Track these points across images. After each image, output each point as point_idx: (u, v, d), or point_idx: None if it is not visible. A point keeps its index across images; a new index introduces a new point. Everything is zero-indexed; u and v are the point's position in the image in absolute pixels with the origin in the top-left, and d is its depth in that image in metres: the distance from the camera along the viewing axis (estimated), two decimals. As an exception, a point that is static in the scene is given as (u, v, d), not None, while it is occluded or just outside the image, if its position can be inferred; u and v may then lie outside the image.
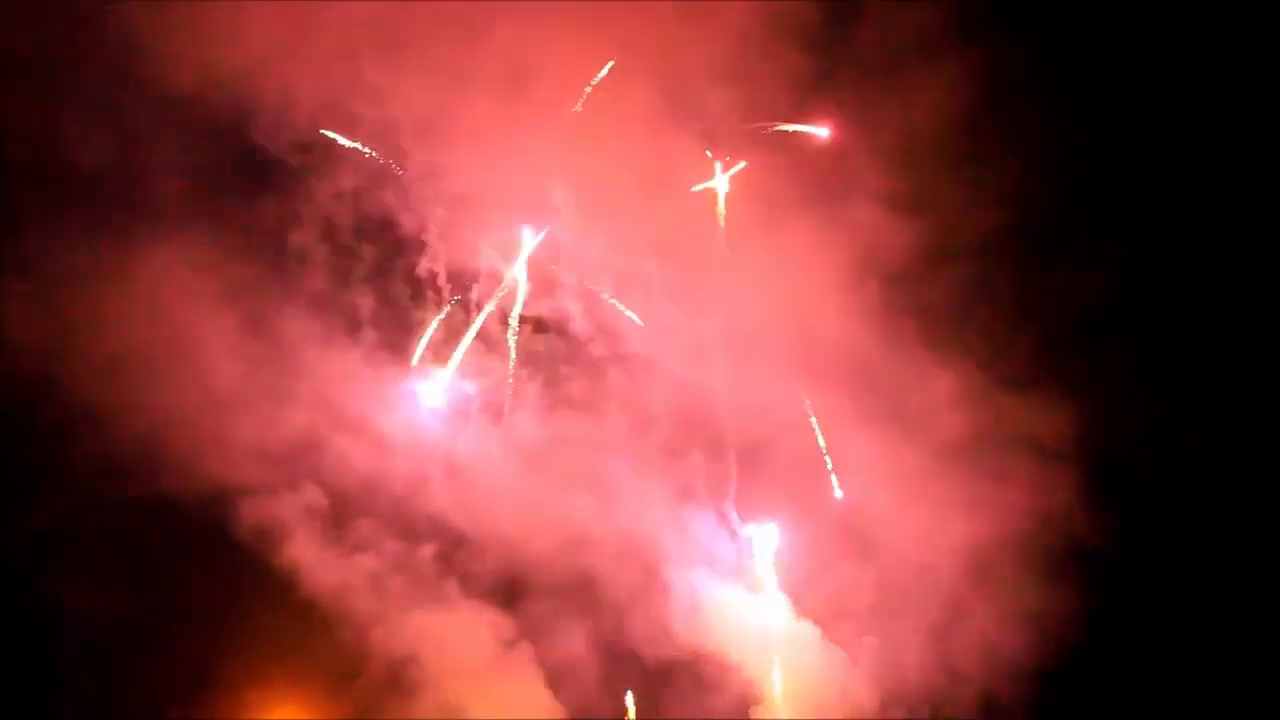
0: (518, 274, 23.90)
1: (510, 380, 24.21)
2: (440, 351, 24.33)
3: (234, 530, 22.97)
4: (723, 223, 24.35)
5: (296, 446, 23.42)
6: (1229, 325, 24.06)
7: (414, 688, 23.21)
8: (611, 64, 23.23)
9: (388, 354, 24.27)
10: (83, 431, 22.15)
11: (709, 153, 24.26)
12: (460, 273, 24.15)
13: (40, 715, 22.52)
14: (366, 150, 23.27)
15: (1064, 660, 23.02)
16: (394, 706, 23.14)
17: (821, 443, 24.40)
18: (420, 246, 23.86)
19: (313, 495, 23.57)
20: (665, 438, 24.33)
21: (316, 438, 23.51)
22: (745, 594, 24.58)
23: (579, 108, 23.28)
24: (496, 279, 24.11)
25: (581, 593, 23.89)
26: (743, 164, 24.17)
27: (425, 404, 24.27)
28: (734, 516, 24.64)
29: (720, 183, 24.28)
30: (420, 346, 24.18)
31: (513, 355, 24.04)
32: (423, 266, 23.97)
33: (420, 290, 24.09)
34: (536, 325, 24.52)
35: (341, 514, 23.73)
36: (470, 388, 24.48)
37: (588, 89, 23.28)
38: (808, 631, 24.28)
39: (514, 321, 24.15)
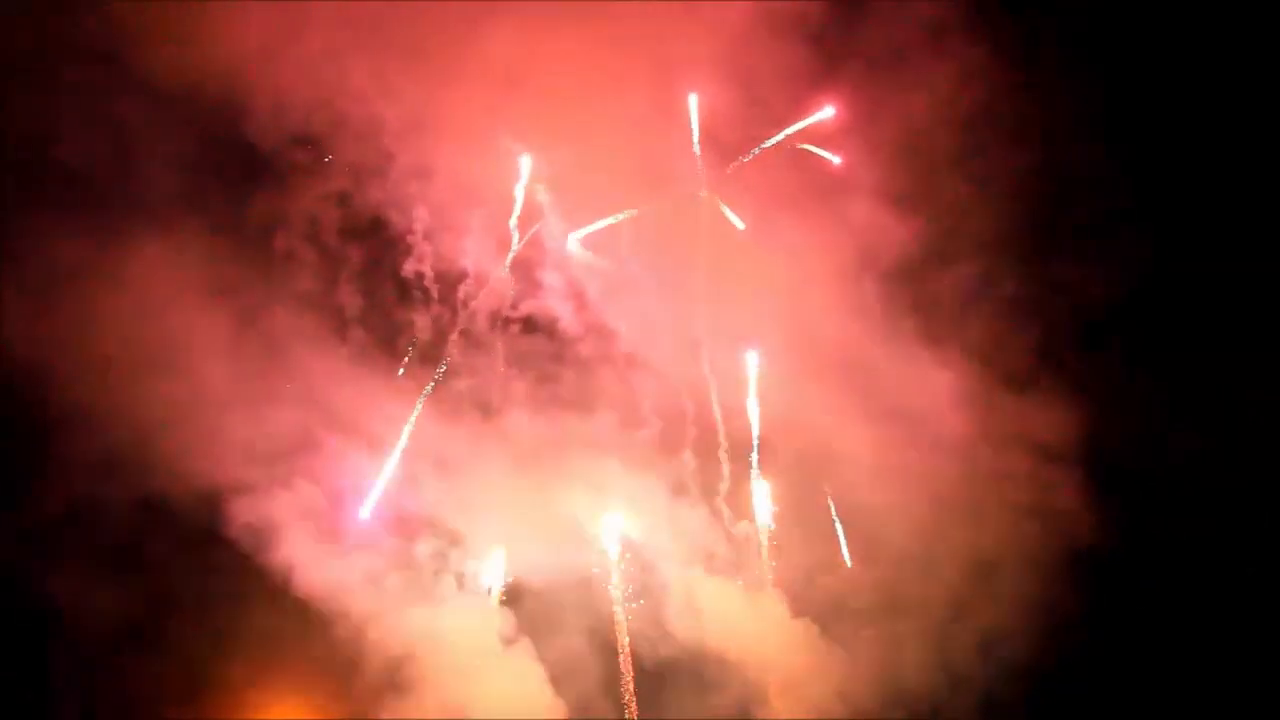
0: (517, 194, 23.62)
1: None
2: (428, 353, 24.34)
3: (228, 528, 22.79)
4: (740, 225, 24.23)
5: (290, 445, 23.29)
6: (1230, 325, 24.01)
7: (412, 685, 23.05)
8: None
9: (377, 352, 24.21)
10: (76, 430, 21.99)
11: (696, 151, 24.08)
12: (448, 272, 24.14)
13: (35, 712, 22.36)
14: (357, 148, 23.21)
15: (1063, 658, 23.05)
16: (392, 704, 22.97)
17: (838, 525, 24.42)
18: (409, 246, 23.84)
19: (308, 494, 23.41)
20: (659, 434, 24.34)
21: (310, 437, 23.38)
22: (742, 591, 24.50)
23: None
24: (483, 280, 24.15)
25: (579, 591, 23.91)
26: (752, 154, 24.15)
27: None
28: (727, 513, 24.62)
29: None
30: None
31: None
32: (410, 266, 23.93)
33: (409, 289, 24.08)
34: (525, 325, 24.51)
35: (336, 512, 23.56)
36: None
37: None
38: (805, 629, 24.21)
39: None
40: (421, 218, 23.58)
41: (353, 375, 23.82)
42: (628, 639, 23.65)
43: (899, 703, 23.67)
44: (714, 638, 23.94)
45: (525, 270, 24.36)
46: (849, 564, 24.55)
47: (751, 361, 24.59)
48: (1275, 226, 23.77)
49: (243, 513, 22.84)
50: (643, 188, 23.59)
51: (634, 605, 23.81)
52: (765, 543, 24.57)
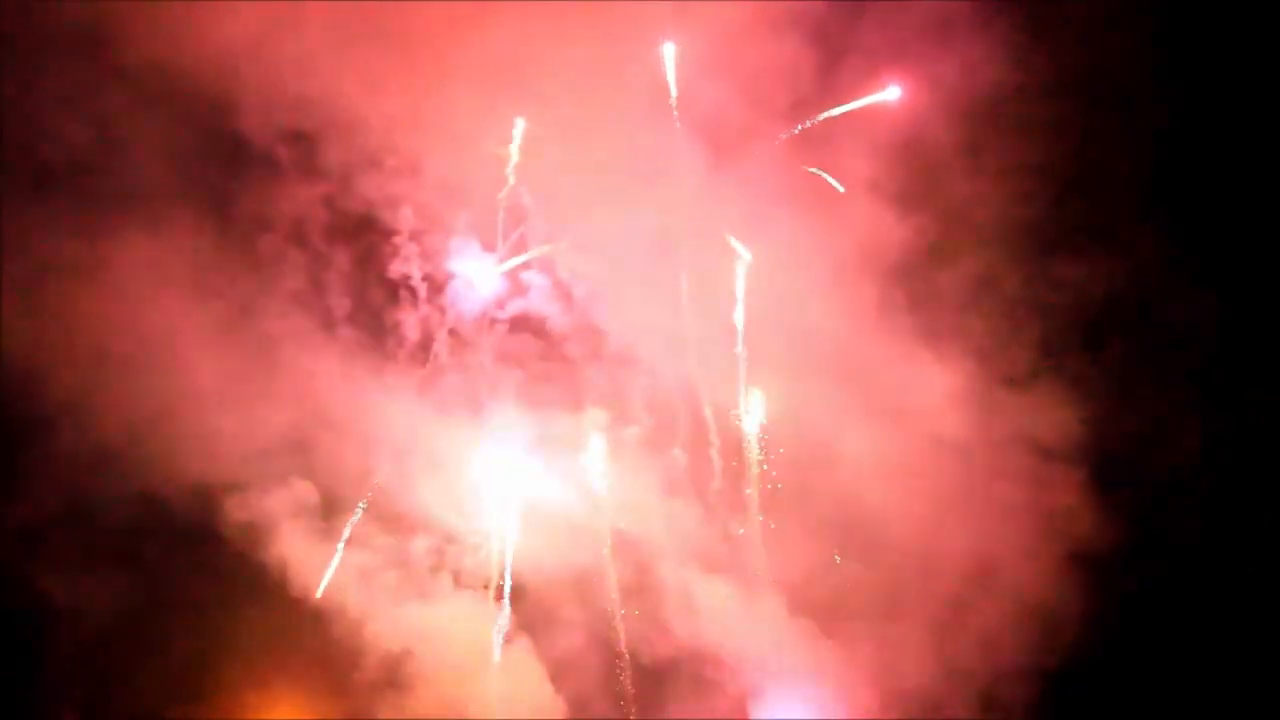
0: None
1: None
2: (416, 354, 24.19)
3: (223, 526, 22.85)
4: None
5: (284, 441, 23.27)
6: (1233, 324, 23.88)
7: (410, 683, 23.09)
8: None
9: (369, 350, 24.04)
10: (68, 426, 21.99)
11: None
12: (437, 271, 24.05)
13: (29, 712, 22.28)
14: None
15: (1065, 659, 23.02)
16: (391, 702, 23.00)
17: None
18: (400, 244, 23.75)
19: (303, 490, 23.40)
20: (652, 431, 24.32)
21: (303, 433, 23.35)
22: (740, 590, 24.37)
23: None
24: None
25: (577, 589, 23.89)
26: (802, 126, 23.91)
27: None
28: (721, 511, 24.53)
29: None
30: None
31: None
32: (399, 265, 23.83)
33: (398, 287, 23.95)
34: (512, 325, 24.38)
35: (331, 509, 23.53)
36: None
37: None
38: (804, 629, 24.10)
39: None
40: (413, 213, 23.55)
41: (347, 369, 23.71)
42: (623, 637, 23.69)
43: (898, 702, 23.63)
44: (711, 636, 23.87)
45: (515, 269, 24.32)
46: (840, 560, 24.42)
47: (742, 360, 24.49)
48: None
49: (238, 509, 22.82)
50: (636, 181, 23.39)
51: (632, 603, 23.80)
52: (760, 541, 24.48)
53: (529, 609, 23.76)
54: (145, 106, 22.16)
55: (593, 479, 23.86)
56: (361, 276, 23.81)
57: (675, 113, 23.39)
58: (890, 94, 23.66)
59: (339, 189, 23.26)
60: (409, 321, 23.92)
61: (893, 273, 23.84)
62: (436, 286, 24.00)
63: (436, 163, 23.01)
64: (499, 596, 23.46)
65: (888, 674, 23.64)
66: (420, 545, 23.79)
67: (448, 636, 23.35)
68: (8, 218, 22.06)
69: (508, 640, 23.45)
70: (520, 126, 23.27)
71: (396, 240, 23.65)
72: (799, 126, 23.76)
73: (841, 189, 23.85)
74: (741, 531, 24.41)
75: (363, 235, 23.72)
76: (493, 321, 24.17)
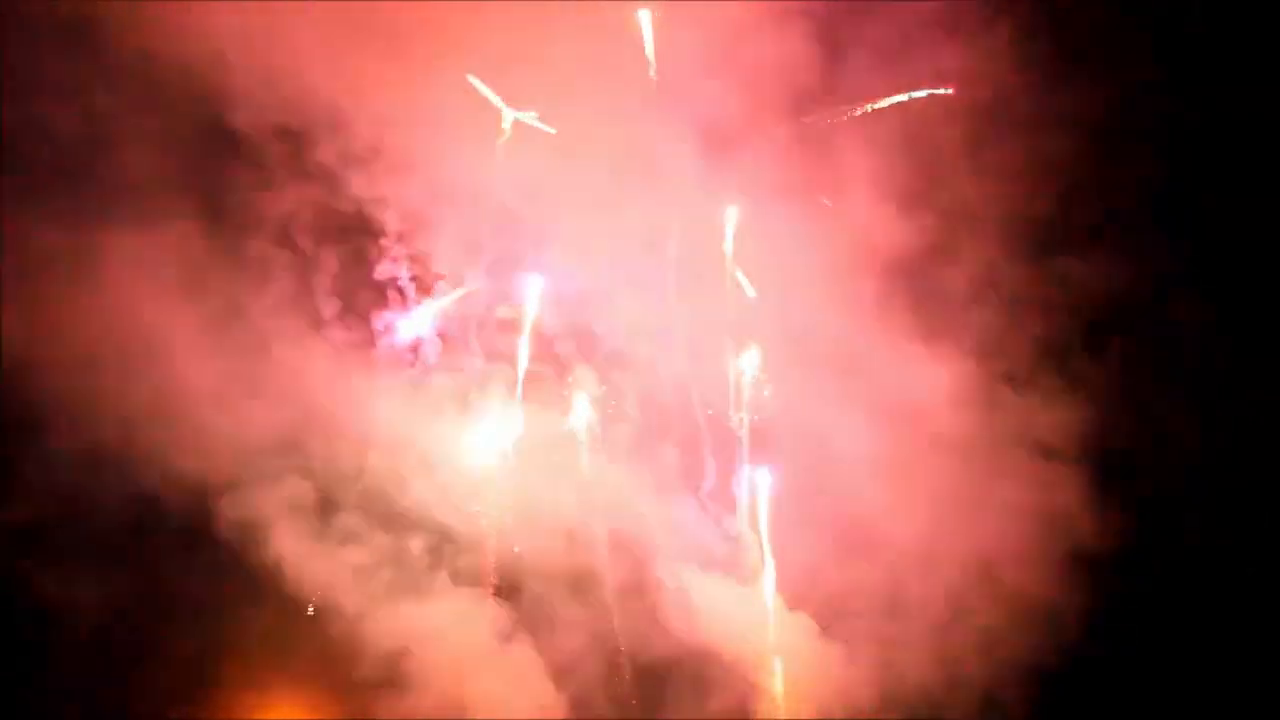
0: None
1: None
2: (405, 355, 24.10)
3: (219, 525, 22.58)
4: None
5: (280, 440, 23.05)
6: (1236, 323, 23.85)
7: (409, 681, 22.91)
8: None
9: (359, 348, 23.96)
10: (62, 426, 21.69)
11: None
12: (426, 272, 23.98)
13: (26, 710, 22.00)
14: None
15: (1064, 658, 22.98)
16: (389, 701, 22.81)
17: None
18: (392, 242, 23.68)
19: (299, 489, 23.20)
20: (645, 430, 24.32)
21: (296, 432, 23.16)
22: (738, 588, 24.31)
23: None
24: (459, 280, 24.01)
25: (575, 589, 23.78)
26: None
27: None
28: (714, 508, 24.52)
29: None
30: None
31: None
32: (388, 265, 23.77)
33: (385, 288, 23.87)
34: (502, 326, 24.29)
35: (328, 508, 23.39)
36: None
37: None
38: (804, 625, 24.07)
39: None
40: (401, 214, 23.49)
41: (339, 367, 23.59)
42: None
43: (898, 702, 23.56)
44: (710, 635, 23.77)
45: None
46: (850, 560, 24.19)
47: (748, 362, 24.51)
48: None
49: (234, 509, 22.58)
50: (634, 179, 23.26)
51: (629, 602, 23.71)
52: (763, 540, 24.36)
53: (528, 607, 23.69)
54: (138, 102, 21.98)
55: (585, 475, 23.89)
56: (351, 276, 23.74)
57: (653, 74, 23.24)
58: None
59: (330, 189, 23.14)
60: (397, 322, 23.86)
61: (893, 270, 23.75)
62: (424, 287, 23.94)
63: (425, 162, 22.93)
64: (496, 594, 23.45)
65: (888, 673, 23.60)
66: (416, 544, 23.64)
67: (445, 634, 23.18)
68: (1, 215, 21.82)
69: (507, 639, 23.37)
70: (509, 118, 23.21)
71: (386, 241, 23.64)
72: (834, 114, 23.81)
73: (829, 203, 23.93)
74: (735, 535, 24.41)
75: (356, 236, 23.67)
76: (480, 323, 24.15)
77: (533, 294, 24.10)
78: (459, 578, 23.68)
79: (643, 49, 23.35)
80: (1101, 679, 23.18)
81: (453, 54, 22.38)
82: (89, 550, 22.17)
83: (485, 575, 23.60)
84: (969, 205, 23.71)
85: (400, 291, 23.85)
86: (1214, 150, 23.62)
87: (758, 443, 24.44)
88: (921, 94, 23.79)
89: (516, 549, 23.69)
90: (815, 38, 23.21)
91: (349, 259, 23.68)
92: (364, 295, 23.84)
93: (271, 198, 23.07)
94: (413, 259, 23.76)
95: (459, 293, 24.03)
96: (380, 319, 23.88)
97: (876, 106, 23.95)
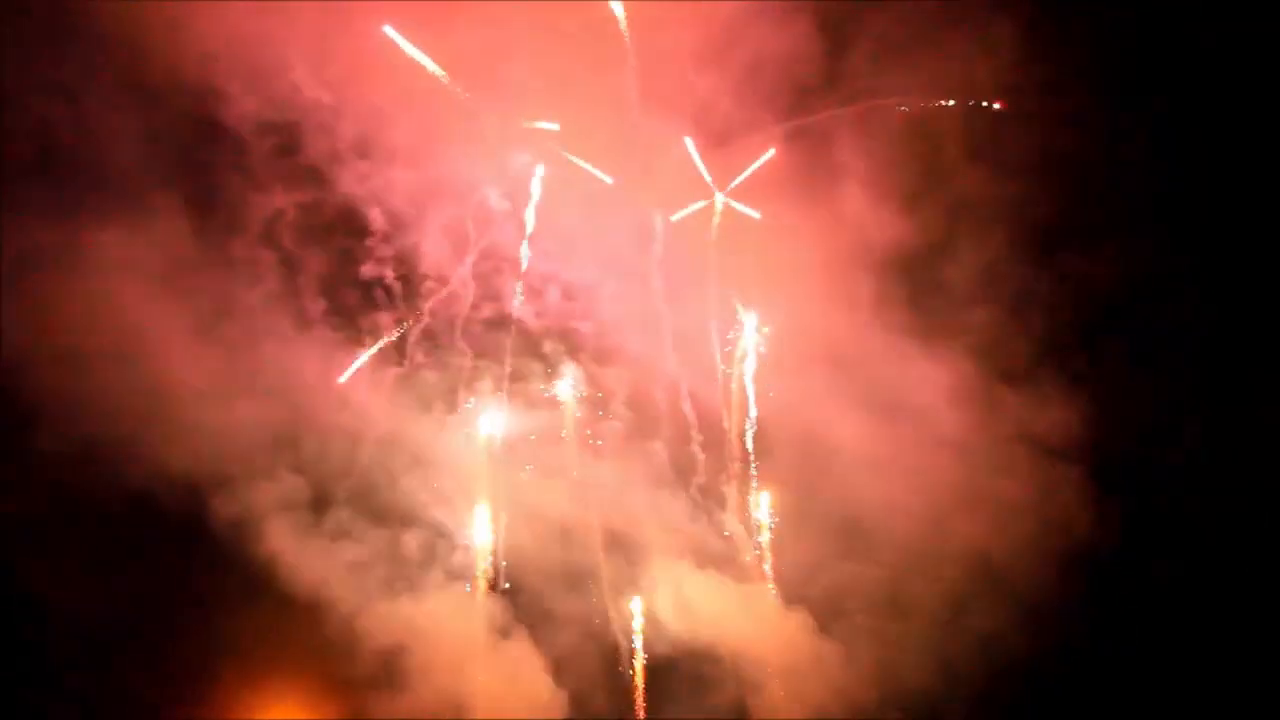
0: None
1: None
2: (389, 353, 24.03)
3: (213, 522, 22.53)
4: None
5: (271, 436, 23.07)
6: (1234, 321, 23.64)
7: (406, 677, 22.82)
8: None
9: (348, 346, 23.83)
10: (58, 422, 21.57)
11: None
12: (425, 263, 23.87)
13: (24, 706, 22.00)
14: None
15: (1061, 656, 22.87)
16: (386, 696, 22.72)
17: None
18: (380, 242, 23.59)
19: (292, 485, 23.19)
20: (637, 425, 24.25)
21: (287, 429, 23.19)
22: (734, 584, 24.23)
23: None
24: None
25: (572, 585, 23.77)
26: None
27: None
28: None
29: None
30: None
31: None
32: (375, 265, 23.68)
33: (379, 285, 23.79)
34: (488, 325, 24.19)
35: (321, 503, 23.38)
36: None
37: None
38: (800, 623, 23.93)
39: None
40: (388, 213, 23.40)
41: (327, 365, 23.51)
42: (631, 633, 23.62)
43: (896, 700, 23.40)
44: (708, 631, 23.69)
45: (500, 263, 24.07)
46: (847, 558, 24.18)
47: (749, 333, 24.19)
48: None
49: (228, 505, 22.54)
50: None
51: (625, 598, 23.70)
52: (761, 538, 24.33)
53: (525, 603, 23.64)
54: (128, 98, 21.87)
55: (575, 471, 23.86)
56: (340, 275, 23.67)
57: (626, 34, 22.79)
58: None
59: (318, 187, 23.08)
60: (385, 320, 23.78)
61: (891, 267, 23.63)
62: (411, 286, 23.86)
63: (413, 161, 22.89)
64: (491, 588, 23.39)
65: (886, 671, 23.45)
66: (411, 540, 23.57)
67: (441, 629, 23.10)
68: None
69: (504, 635, 23.29)
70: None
71: (372, 240, 23.57)
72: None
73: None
74: (728, 533, 24.35)
75: (343, 234, 23.59)
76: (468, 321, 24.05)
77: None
78: (453, 574, 23.57)
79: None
80: (1096, 674, 23.05)
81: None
82: (80, 546, 22.09)
83: (479, 572, 23.53)
84: (968, 202, 23.55)
85: (387, 290, 23.78)
86: (1215, 150, 23.34)
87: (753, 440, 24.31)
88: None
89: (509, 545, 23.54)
90: (813, 33, 23.08)
91: (337, 258, 23.64)
92: (350, 294, 23.79)
93: (258, 197, 23.02)
94: (398, 258, 23.71)
95: (444, 291, 23.95)
96: (368, 317, 23.84)
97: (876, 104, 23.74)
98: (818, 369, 23.84)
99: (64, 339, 21.60)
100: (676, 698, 23.65)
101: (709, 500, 24.41)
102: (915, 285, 23.95)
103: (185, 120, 22.37)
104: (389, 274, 23.67)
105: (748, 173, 23.76)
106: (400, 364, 23.87)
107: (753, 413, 24.37)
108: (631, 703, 23.42)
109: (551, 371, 24.33)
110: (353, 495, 23.45)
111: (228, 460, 22.64)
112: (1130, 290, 23.59)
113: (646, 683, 23.52)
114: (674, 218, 23.72)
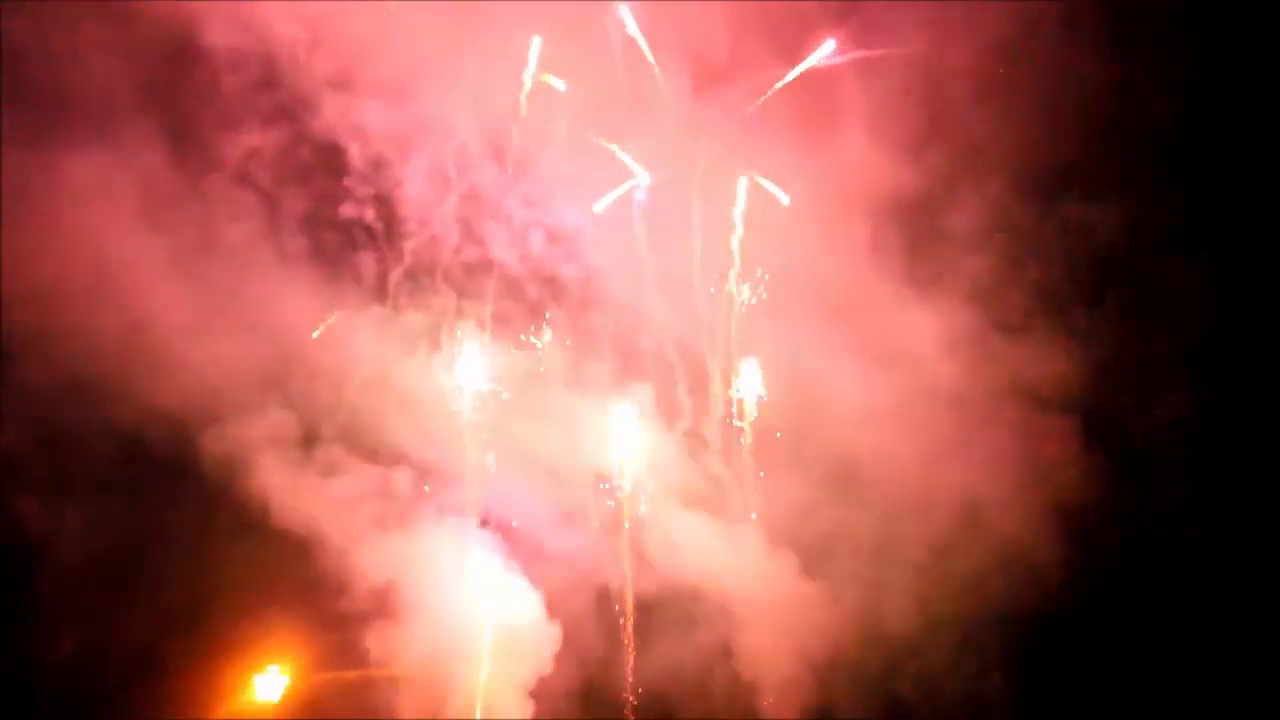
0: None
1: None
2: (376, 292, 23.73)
3: (201, 457, 22.17)
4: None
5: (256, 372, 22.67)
6: (1231, 285, 23.56)
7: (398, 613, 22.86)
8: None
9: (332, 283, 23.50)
10: (40, 356, 21.09)
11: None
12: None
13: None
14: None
15: (1047, 607, 23.07)
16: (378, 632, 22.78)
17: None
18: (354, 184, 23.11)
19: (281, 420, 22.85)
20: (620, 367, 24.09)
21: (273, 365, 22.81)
22: (721, 526, 24.32)
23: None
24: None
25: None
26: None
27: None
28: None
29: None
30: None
31: None
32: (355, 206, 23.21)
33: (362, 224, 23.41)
34: (468, 270, 23.89)
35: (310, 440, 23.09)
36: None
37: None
38: (785, 563, 24.09)
39: None
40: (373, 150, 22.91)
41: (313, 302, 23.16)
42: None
43: (878, 643, 23.72)
44: (693, 570, 23.82)
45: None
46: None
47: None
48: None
49: (216, 441, 22.24)
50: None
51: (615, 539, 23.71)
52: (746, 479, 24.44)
53: (515, 544, 23.55)
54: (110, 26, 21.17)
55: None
56: (320, 214, 23.22)
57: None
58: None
59: (300, 122, 22.53)
60: (367, 260, 23.51)
61: (887, 214, 23.45)
62: (395, 225, 23.51)
63: (402, 96, 22.35)
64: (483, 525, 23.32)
65: (870, 616, 23.72)
66: (400, 478, 23.41)
67: (433, 566, 23.06)
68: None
69: (501, 570, 23.25)
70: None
71: (350, 180, 23.13)
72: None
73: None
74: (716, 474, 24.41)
75: (328, 169, 23.10)
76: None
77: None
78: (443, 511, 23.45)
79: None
80: (1080, 628, 23.32)
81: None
82: (67, 482, 21.83)
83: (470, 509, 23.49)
84: (972, 148, 23.25)
85: (369, 231, 23.41)
86: (1231, 111, 23.08)
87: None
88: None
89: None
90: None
91: (317, 197, 23.14)
92: (331, 235, 23.37)
93: (238, 135, 22.43)
94: (379, 199, 23.29)
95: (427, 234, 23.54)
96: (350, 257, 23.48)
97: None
98: (810, 316, 23.78)
99: (43, 271, 20.93)
100: (665, 634, 23.92)
101: (694, 443, 24.44)
102: (912, 232, 23.76)
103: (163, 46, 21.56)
104: (367, 215, 23.32)
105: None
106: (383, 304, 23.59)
107: (741, 359, 24.31)
108: (621, 640, 23.75)
109: (535, 315, 24.17)
110: (341, 433, 23.13)
111: (212, 397, 22.19)
112: (1133, 244, 23.46)
113: (636, 620, 23.80)
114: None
